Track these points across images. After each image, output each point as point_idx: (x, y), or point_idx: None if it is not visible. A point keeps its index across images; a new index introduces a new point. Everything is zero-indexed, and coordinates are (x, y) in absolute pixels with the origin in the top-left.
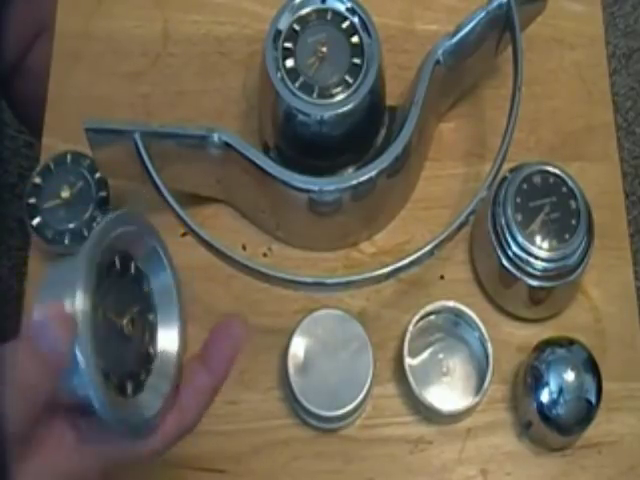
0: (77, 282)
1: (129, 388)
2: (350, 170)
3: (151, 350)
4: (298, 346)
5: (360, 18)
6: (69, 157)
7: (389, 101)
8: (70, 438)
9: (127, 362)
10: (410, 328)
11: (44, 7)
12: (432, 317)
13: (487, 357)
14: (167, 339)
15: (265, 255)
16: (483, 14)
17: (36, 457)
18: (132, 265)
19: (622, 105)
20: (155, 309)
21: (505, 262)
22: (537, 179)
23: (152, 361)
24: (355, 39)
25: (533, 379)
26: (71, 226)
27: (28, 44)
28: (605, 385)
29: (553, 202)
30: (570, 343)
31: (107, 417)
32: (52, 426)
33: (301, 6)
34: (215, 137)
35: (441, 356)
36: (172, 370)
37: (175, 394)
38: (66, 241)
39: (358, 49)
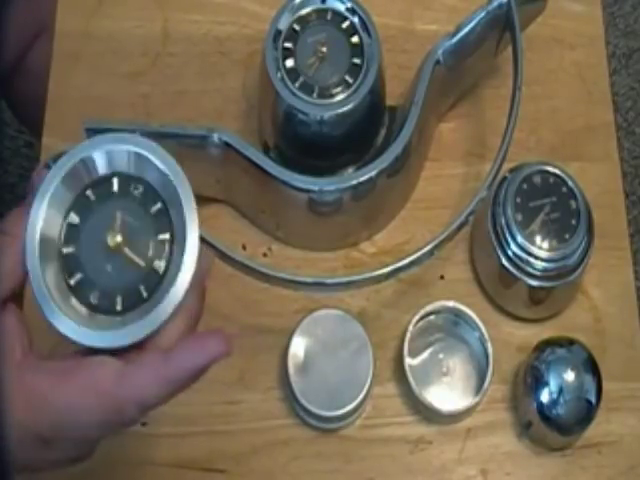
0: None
1: (118, 304)
2: (350, 170)
3: (157, 266)
4: (298, 346)
5: (360, 18)
6: None
7: (389, 101)
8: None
9: (118, 277)
10: (410, 328)
11: (44, 7)
12: (432, 317)
13: (487, 357)
14: (181, 257)
15: (265, 255)
16: (483, 14)
17: (83, 372)
18: (139, 187)
19: (622, 105)
20: (172, 229)
21: (505, 262)
22: (537, 179)
23: (160, 278)
24: (355, 39)
25: (533, 379)
26: None
27: (28, 44)
28: (605, 385)
29: (553, 202)
30: (570, 343)
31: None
32: None
33: (301, 6)
34: (215, 137)
35: (441, 356)
36: (179, 289)
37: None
38: None
39: (358, 49)
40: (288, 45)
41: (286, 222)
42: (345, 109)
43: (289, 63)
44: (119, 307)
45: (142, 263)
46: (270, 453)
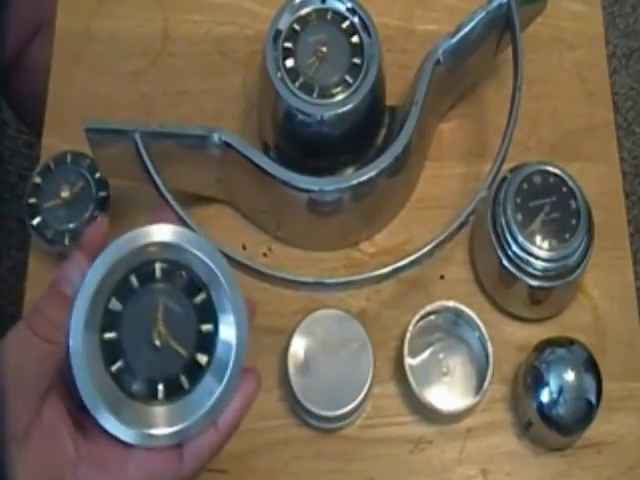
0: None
1: (160, 392)
2: (350, 170)
3: (200, 359)
4: (298, 346)
5: (360, 18)
6: (69, 157)
7: (389, 101)
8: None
9: (160, 366)
10: (410, 328)
11: (44, 3)
12: (432, 317)
13: (487, 357)
14: (225, 348)
15: (265, 255)
16: (483, 14)
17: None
18: (183, 274)
19: (622, 105)
20: (215, 319)
21: (505, 262)
22: (537, 179)
23: (204, 369)
24: (355, 39)
25: (533, 379)
26: (71, 226)
27: (28, 40)
28: (605, 385)
29: (553, 202)
30: (570, 343)
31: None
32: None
33: (301, 6)
34: (215, 137)
35: (441, 356)
36: (227, 378)
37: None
38: (66, 241)
39: (358, 49)
40: (288, 45)
41: (286, 222)
42: (345, 109)
43: (289, 63)
44: (161, 396)
45: (185, 354)
46: (270, 453)
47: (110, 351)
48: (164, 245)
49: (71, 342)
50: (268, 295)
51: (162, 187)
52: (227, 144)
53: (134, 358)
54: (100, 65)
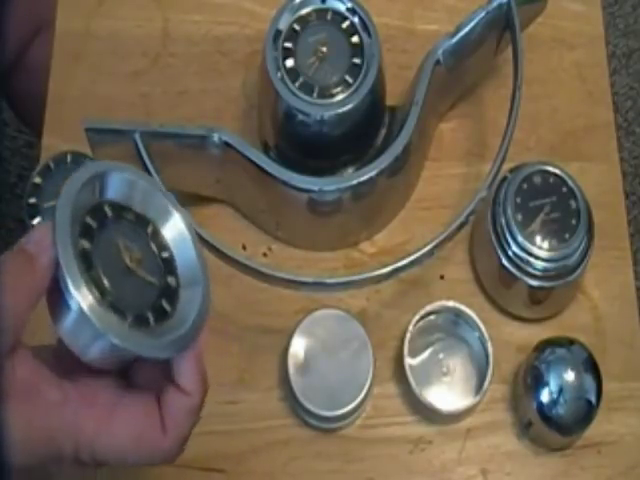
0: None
1: (151, 319)
2: (350, 170)
3: (171, 281)
4: (298, 346)
5: (360, 18)
6: (69, 157)
7: (389, 101)
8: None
9: (143, 295)
10: (410, 328)
11: (44, 3)
12: (432, 317)
13: (487, 357)
14: (187, 269)
15: (265, 255)
16: (483, 14)
17: (128, 418)
18: (130, 212)
19: (622, 105)
20: (168, 247)
21: (505, 262)
22: (537, 179)
23: (175, 291)
24: (355, 39)
25: (533, 379)
26: None
27: (28, 40)
28: (605, 385)
29: (553, 202)
30: (570, 343)
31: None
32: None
33: (301, 6)
34: (215, 137)
35: (441, 356)
36: (199, 286)
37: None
38: None
39: (358, 49)
40: (288, 45)
41: (286, 222)
42: (345, 109)
43: (289, 63)
44: (152, 322)
45: (156, 281)
46: (270, 453)
47: (96, 287)
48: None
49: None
50: (268, 295)
51: (162, 187)
52: (227, 144)
53: (117, 293)
54: (100, 65)
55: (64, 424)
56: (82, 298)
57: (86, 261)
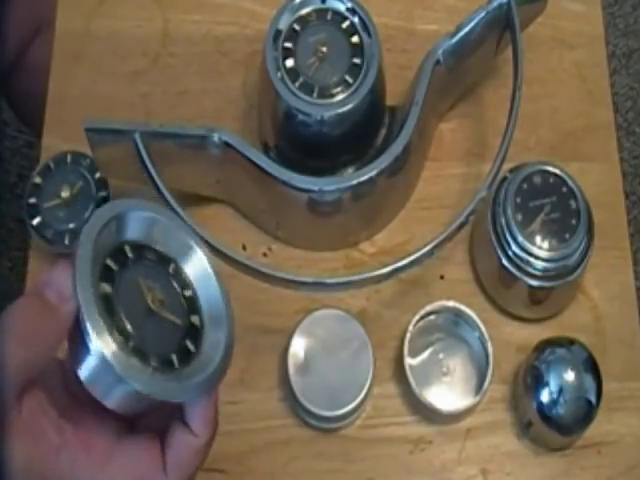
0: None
1: (175, 360)
2: (350, 170)
3: (194, 320)
4: (298, 346)
5: (360, 18)
6: (69, 157)
7: (389, 101)
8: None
9: (167, 337)
10: (410, 328)
11: (43, 3)
12: (432, 317)
13: (487, 357)
14: (210, 307)
15: (265, 255)
16: (483, 14)
17: (126, 459)
18: (151, 251)
19: (622, 105)
20: (191, 285)
21: (505, 262)
22: (537, 179)
23: (200, 330)
24: (355, 39)
25: (533, 379)
26: (71, 226)
27: (28, 40)
28: (605, 385)
29: (553, 202)
30: (570, 343)
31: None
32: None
33: (301, 6)
34: (215, 137)
35: (441, 356)
36: (224, 325)
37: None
38: (66, 241)
39: (358, 49)
40: (288, 45)
41: (286, 222)
42: (345, 109)
43: (289, 63)
44: (177, 365)
45: (179, 321)
46: (270, 453)
47: (118, 332)
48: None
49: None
50: (268, 295)
51: (162, 187)
52: (227, 144)
53: (140, 336)
54: (100, 65)
55: (59, 472)
56: (104, 345)
57: (108, 306)
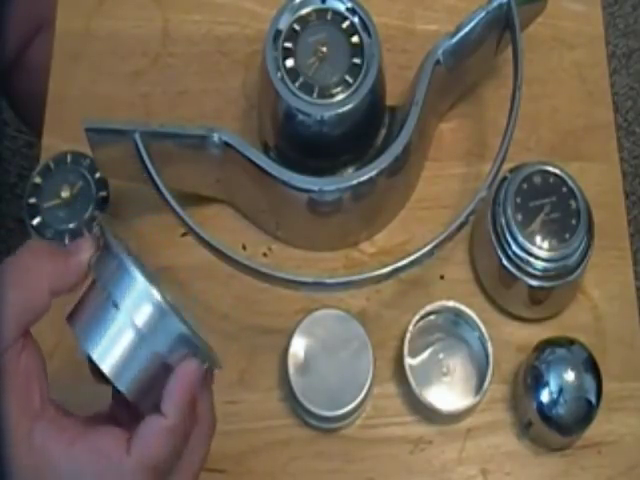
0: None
1: None
2: (350, 170)
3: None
4: (298, 346)
5: (360, 18)
6: (69, 157)
7: (389, 101)
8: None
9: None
10: (410, 328)
11: (43, 3)
12: (432, 317)
13: (487, 357)
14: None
15: (265, 255)
16: (483, 14)
17: (91, 437)
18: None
19: (622, 105)
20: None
21: (505, 262)
22: (537, 179)
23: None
24: (355, 39)
25: (533, 379)
26: (71, 226)
27: (28, 39)
28: (605, 385)
29: (553, 202)
30: (570, 343)
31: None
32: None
33: (301, 6)
34: (215, 137)
35: (441, 356)
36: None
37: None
38: (66, 241)
39: (358, 49)
40: (288, 45)
41: (286, 222)
42: (345, 109)
43: (289, 63)
44: None
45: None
46: (270, 453)
47: None
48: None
49: None
50: (268, 295)
51: (162, 187)
52: (227, 144)
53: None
54: (100, 65)
55: (31, 442)
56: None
57: None
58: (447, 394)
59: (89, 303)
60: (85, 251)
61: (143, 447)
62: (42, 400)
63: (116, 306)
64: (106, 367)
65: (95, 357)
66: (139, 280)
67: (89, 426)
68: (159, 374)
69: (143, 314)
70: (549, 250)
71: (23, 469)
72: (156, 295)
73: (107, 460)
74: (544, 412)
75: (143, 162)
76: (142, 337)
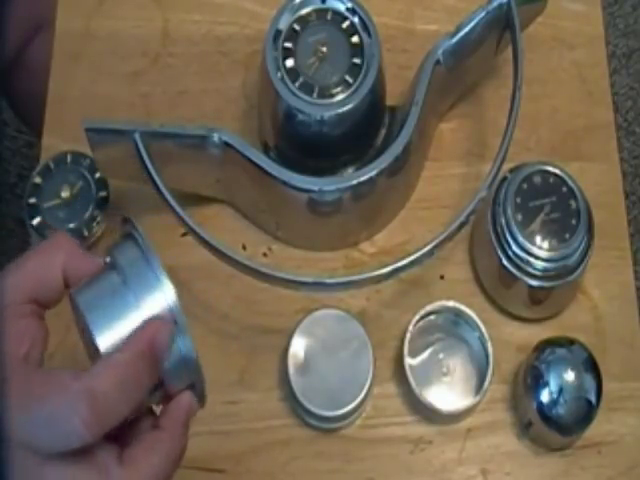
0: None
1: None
2: (350, 170)
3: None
4: (298, 346)
5: (360, 18)
6: (69, 157)
7: (389, 101)
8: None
9: None
10: (410, 328)
11: (43, 3)
12: (432, 317)
13: (487, 357)
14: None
15: (265, 255)
16: (483, 14)
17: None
18: None
19: (622, 105)
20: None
21: (505, 262)
22: (537, 179)
23: None
24: (355, 39)
25: (533, 379)
26: (71, 226)
27: (27, 39)
28: (605, 385)
29: (553, 202)
30: (570, 343)
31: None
32: None
33: (301, 6)
34: (215, 137)
35: (441, 356)
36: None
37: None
38: None
39: (358, 49)
40: (288, 45)
41: (286, 222)
42: (345, 109)
43: (289, 63)
44: None
45: None
46: (270, 453)
47: None
48: None
49: None
50: (268, 295)
51: (162, 187)
52: (227, 144)
53: None
54: (100, 65)
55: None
56: None
57: None
58: (447, 394)
59: (100, 284)
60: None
61: (91, 375)
62: (26, 357)
63: (133, 299)
64: (102, 344)
65: (96, 334)
66: (165, 284)
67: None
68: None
69: (151, 310)
70: (549, 250)
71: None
72: (178, 309)
73: (58, 386)
74: (544, 412)
75: (143, 162)
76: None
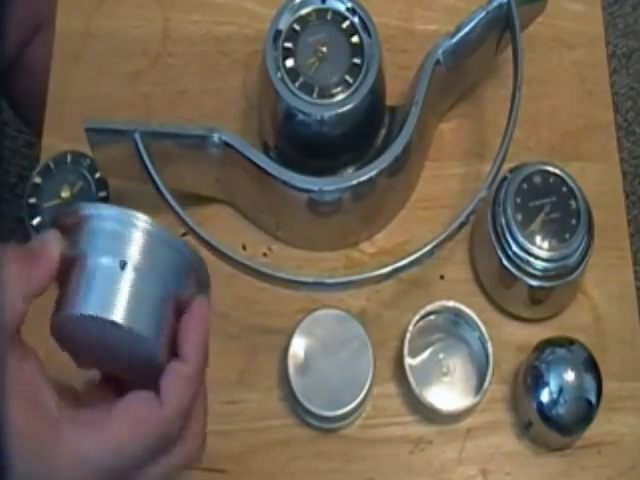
0: None
1: None
2: (350, 170)
3: None
4: (298, 346)
5: (360, 18)
6: (69, 157)
7: (389, 101)
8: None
9: None
10: (410, 328)
11: (43, 3)
12: (432, 317)
13: (487, 357)
14: None
15: (265, 255)
16: (483, 14)
17: (121, 412)
18: None
19: (622, 105)
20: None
21: (505, 262)
22: (537, 179)
23: None
24: (355, 39)
25: (533, 379)
26: None
27: (27, 39)
28: (605, 385)
29: (553, 202)
30: (570, 343)
31: None
32: None
33: (301, 6)
34: (215, 137)
35: (441, 356)
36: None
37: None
38: None
39: (358, 49)
40: (288, 45)
41: (286, 222)
42: (345, 109)
43: (289, 63)
44: None
45: None
46: (270, 453)
47: None
48: None
49: None
50: (268, 295)
51: (162, 187)
52: (227, 144)
53: None
54: (100, 65)
55: (63, 442)
56: None
57: None
58: (447, 394)
59: (71, 282)
60: (53, 245)
61: (174, 399)
62: (58, 405)
63: (103, 260)
64: (118, 317)
65: (101, 313)
66: (111, 212)
67: (105, 403)
68: (168, 315)
69: (135, 247)
70: (549, 250)
71: (60, 466)
72: (137, 216)
73: (146, 424)
74: (544, 412)
75: (143, 162)
76: (141, 273)
